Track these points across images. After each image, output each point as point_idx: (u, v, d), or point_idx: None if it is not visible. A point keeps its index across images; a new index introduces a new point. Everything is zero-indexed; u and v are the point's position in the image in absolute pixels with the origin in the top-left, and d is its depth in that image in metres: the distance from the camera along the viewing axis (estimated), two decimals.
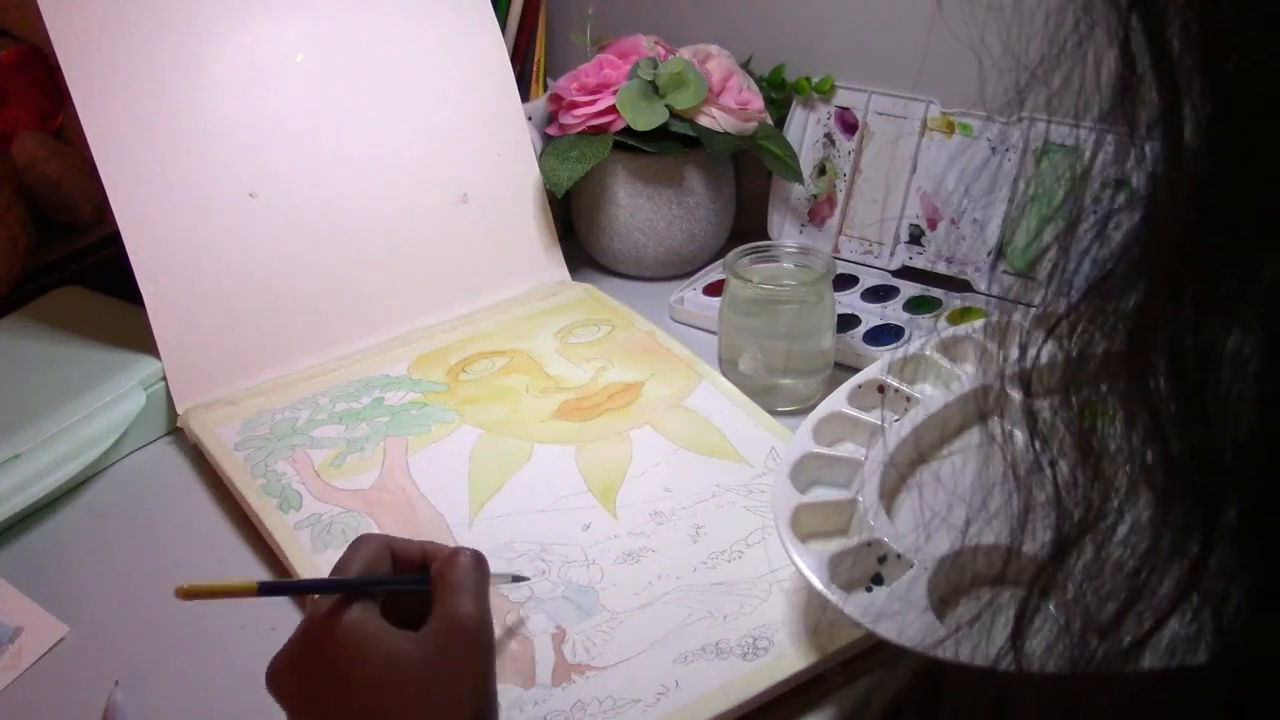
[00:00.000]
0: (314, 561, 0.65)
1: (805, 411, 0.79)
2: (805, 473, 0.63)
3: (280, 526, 0.68)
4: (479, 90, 0.92)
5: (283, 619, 0.64)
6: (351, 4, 0.88)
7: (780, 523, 0.58)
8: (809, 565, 0.55)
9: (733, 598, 0.62)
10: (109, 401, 0.76)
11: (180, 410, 0.79)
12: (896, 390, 0.67)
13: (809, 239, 0.97)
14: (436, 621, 0.48)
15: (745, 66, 0.97)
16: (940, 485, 0.60)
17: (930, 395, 0.66)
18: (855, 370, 0.83)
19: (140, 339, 0.80)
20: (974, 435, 0.63)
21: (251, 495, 0.71)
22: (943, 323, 0.86)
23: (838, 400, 0.67)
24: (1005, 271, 0.88)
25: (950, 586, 0.54)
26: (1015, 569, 0.47)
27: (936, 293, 0.89)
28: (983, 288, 0.88)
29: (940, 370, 0.68)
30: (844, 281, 0.91)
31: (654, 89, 0.92)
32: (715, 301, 0.87)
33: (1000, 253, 0.88)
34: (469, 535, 0.67)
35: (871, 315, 0.87)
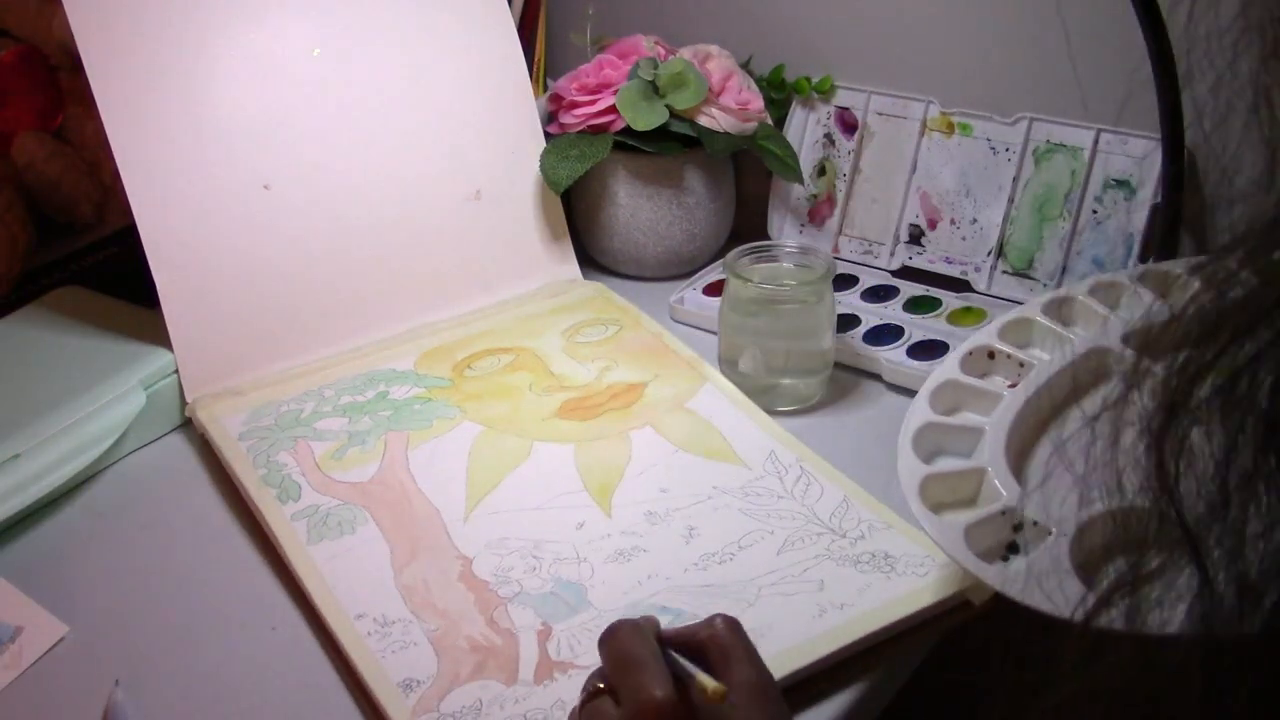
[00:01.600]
0: (309, 553, 0.65)
1: (805, 412, 0.80)
2: (925, 443, 0.62)
3: (277, 517, 0.68)
4: (493, 87, 0.92)
5: (283, 619, 0.64)
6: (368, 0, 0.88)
7: (909, 495, 0.58)
8: (945, 537, 0.55)
9: (721, 600, 0.61)
10: (109, 401, 0.76)
11: (189, 399, 0.79)
12: (1008, 355, 0.67)
13: (809, 239, 0.97)
14: (737, 694, 0.47)
15: (745, 66, 0.97)
16: (1066, 450, 0.59)
17: (1041, 359, 0.66)
18: (855, 370, 0.83)
19: (141, 338, 0.81)
20: (1093, 398, 0.63)
21: (252, 485, 0.71)
22: (943, 324, 0.86)
23: (950, 368, 0.67)
24: (1005, 271, 0.88)
25: (1088, 553, 0.53)
26: (1164, 532, 0.46)
27: (936, 293, 0.89)
28: (982, 288, 0.88)
29: (1048, 333, 0.69)
30: (844, 281, 0.91)
31: (654, 89, 0.92)
32: (715, 301, 0.87)
33: (1000, 253, 0.88)
34: (464, 531, 0.67)
35: (871, 315, 0.87)
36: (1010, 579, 0.52)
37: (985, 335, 0.69)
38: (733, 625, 0.50)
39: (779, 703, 0.48)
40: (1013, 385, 0.66)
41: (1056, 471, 0.57)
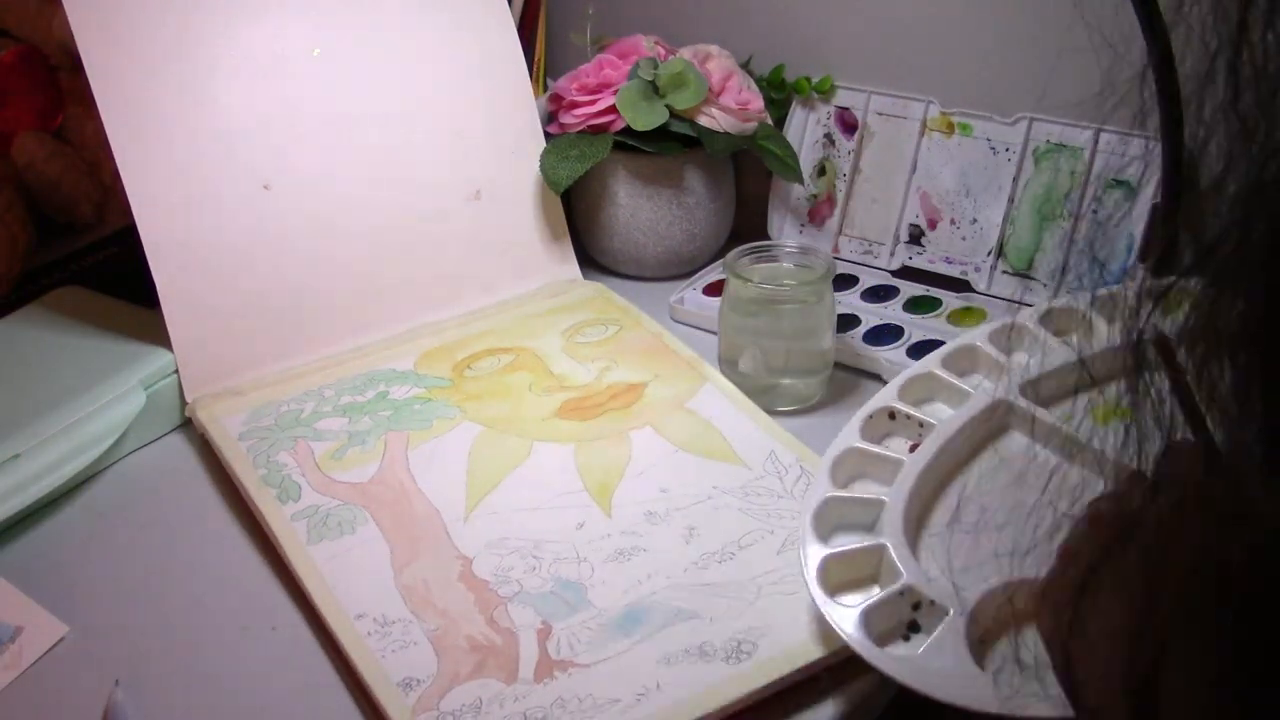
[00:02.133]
0: (309, 553, 0.66)
1: (805, 411, 0.80)
2: (828, 519, 0.61)
3: (277, 517, 0.68)
4: (494, 87, 0.92)
5: (284, 619, 0.64)
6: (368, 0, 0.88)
7: (809, 578, 0.57)
8: (844, 622, 0.54)
9: (721, 599, 0.62)
10: (109, 401, 0.76)
11: (189, 399, 0.79)
12: (908, 416, 0.66)
13: (809, 239, 0.97)
14: None
15: (745, 66, 0.97)
16: (962, 515, 0.59)
17: (944, 415, 0.64)
18: (855, 370, 0.83)
19: (141, 339, 0.81)
20: (992, 452, 0.63)
21: (252, 485, 0.71)
22: (943, 324, 0.86)
23: (850, 435, 0.65)
24: (1005, 272, 0.88)
25: (989, 626, 0.53)
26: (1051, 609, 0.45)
27: (937, 293, 0.89)
28: (982, 288, 0.88)
29: (947, 387, 0.67)
30: (844, 281, 0.91)
31: (654, 89, 0.92)
32: (715, 301, 0.87)
33: (1000, 253, 0.88)
34: (463, 531, 0.67)
35: (871, 315, 0.87)
36: (905, 663, 0.52)
37: (886, 395, 0.67)
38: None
39: None
40: (915, 446, 0.63)
41: (953, 543, 0.57)
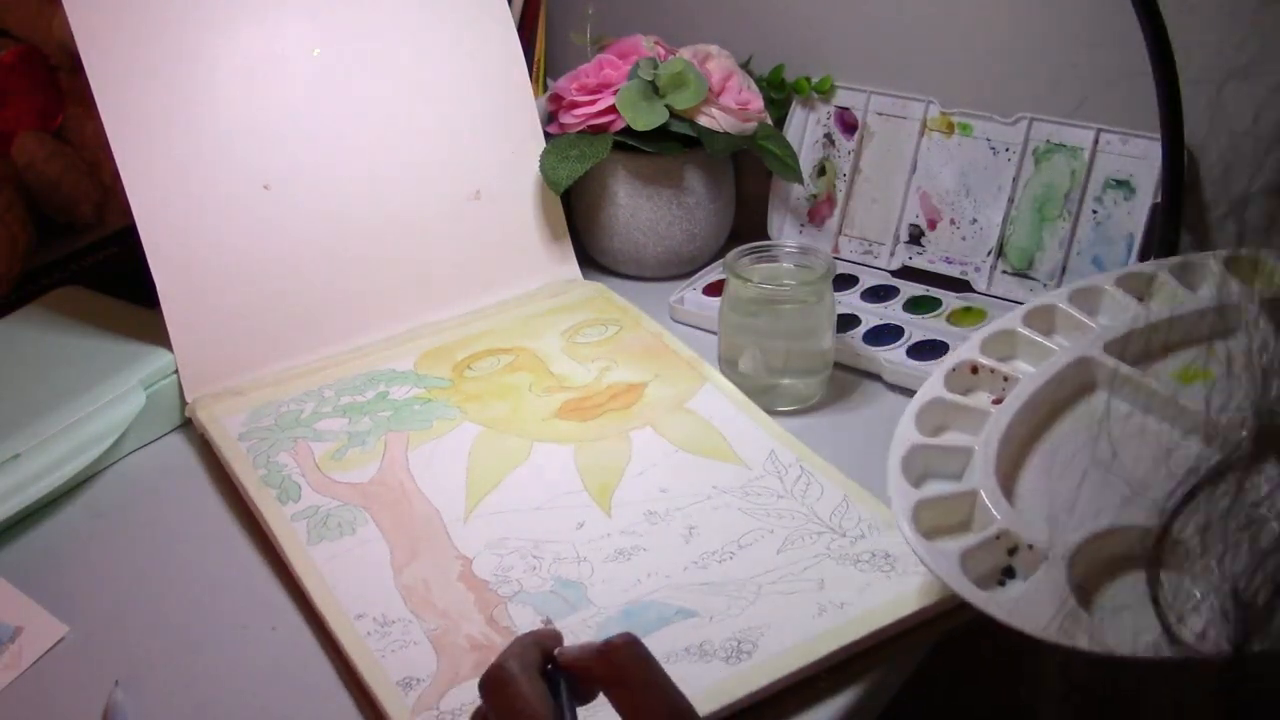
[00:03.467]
0: (309, 553, 0.66)
1: (805, 411, 0.79)
2: (915, 466, 0.61)
3: (277, 517, 0.68)
4: (493, 87, 0.92)
5: (283, 619, 0.64)
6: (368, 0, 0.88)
7: (902, 521, 0.57)
8: (941, 566, 0.54)
9: (720, 597, 0.62)
10: (109, 401, 0.76)
11: (189, 399, 0.79)
12: (992, 370, 0.66)
13: (809, 239, 0.97)
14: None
15: (745, 66, 0.97)
16: (1054, 466, 0.59)
17: (1026, 371, 0.65)
18: (855, 370, 0.83)
19: (141, 339, 0.81)
20: (1080, 410, 0.63)
21: (252, 486, 0.71)
22: (943, 325, 0.86)
23: (934, 386, 0.65)
24: (1005, 272, 0.88)
25: (1087, 571, 0.53)
26: (1165, 550, 0.46)
27: (936, 293, 0.89)
28: (982, 288, 0.88)
29: (1031, 344, 0.68)
30: (844, 281, 0.91)
31: (654, 89, 0.92)
32: (715, 301, 0.87)
33: (1000, 253, 0.88)
34: (463, 531, 0.67)
35: (871, 315, 0.87)
36: (1009, 606, 0.52)
37: (968, 350, 0.68)
38: (632, 648, 0.44)
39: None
40: (998, 400, 0.64)
41: (1048, 490, 0.57)
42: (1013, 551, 0.54)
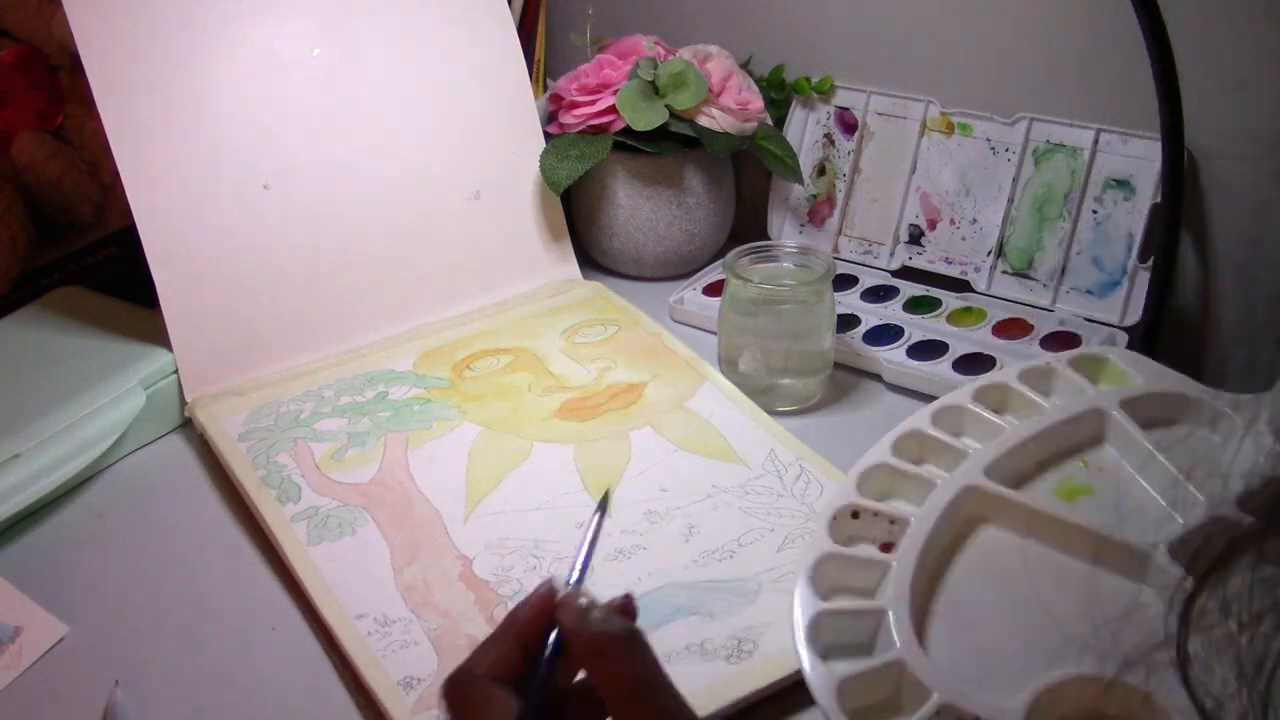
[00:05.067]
0: (309, 554, 0.66)
1: (805, 411, 0.80)
2: (821, 637, 0.53)
3: (277, 518, 0.68)
4: (493, 87, 0.92)
5: (283, 619, 0.64)
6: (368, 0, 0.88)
7: (797, 629, 0.51)
8: (821, 684, 0.48)
9: (720, 596, 0.62)
10: (109, 401, 0.76)
11: (189, 399, 0.79)
12: (875, 514, 0.58)
13: (809, 239, 0.97)
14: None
15: (745, 66, 0.97)
16: (963, 614, 0.53)
17: (909, 512, 0.58)
18: (855, 370, 0.83)
19: (141, 338, 0.81)
20: (974, 547, 0.57)
21: (252, 486, 0.71)
22: (943, 325, 0.86)
23: (822, 542, 0.57)
24: (1005, 272, 0.88)
25: None
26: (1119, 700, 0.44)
27: (936, 293, 0.89)
28: (982, 288, 0.88)
29: (907, 478, 0.61)
30: (844, 281, 0.91)
31: (654, 89, 0.92)
32: (715, 301, 0.87)
33: (1000, 253, 0.88)
34: (463, 531, 0.67)
35: (871, 315, 0.87)
36: None
37: (844, 494, 0.59)
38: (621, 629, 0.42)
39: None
40: (886, 546, 0.57)
41: (969, 644, 0.51)
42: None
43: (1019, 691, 0.47)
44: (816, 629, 0.52)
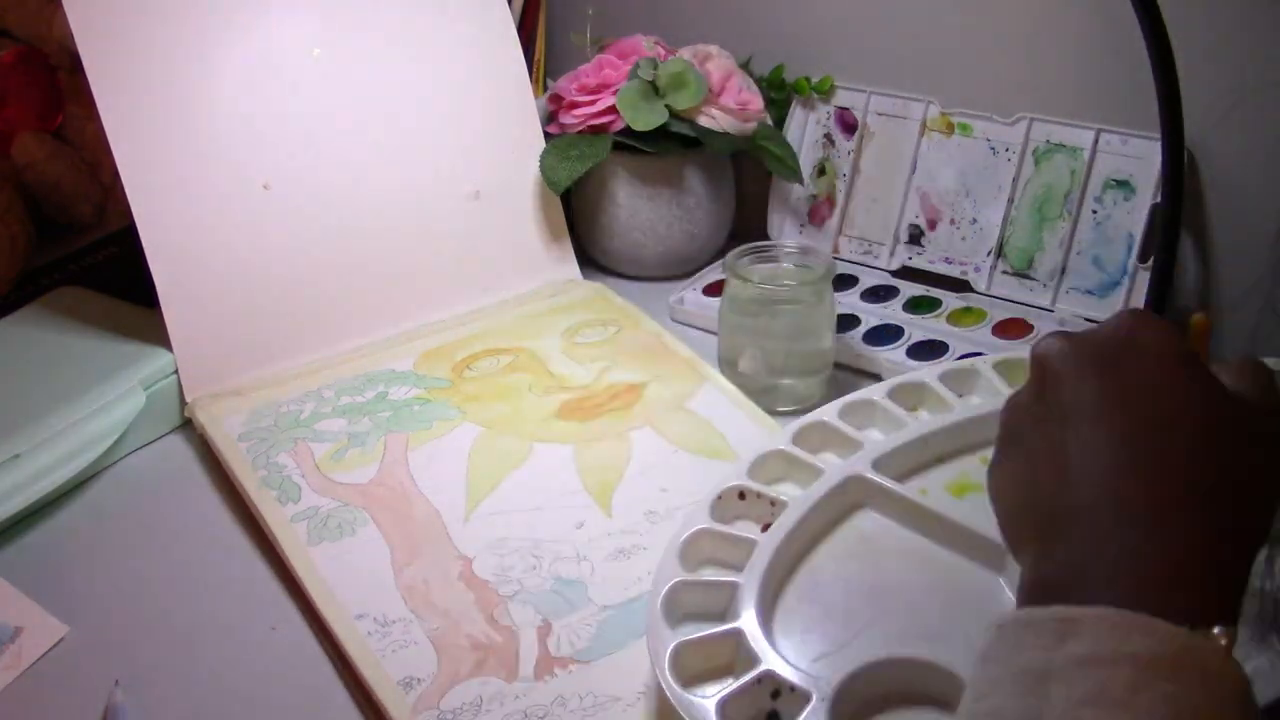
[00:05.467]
0: (309, 554, 0.66)
1: (805, 412, 0.79)
2: (678, 605, 0.56)
3: (278, 518, 0.68)
4: (493, 87, 0.92)
5: (284, 619, 0.64)
6: (367, 0, 0.88)
7: (659, 668, 0.52)
8: (700, 716, 0.49)
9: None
10: (109, 401, 0.76)
11: (189, 399, 0.79)
12: (759, 495, 0.62)
13: (809, 239, 0.97)
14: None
15: (745, 66, 0.97)
16: (816, 592, 0.56)
17: (794, 495, 0.61)
18: (855, 370, 0.83)
19: (141, 339, 0.81)
20: (843, 531, 0.60)
21: (252, 487, 0.71)
22: (943, 325, 0.86)
23: (699, 517, 0.60)
24: (1005, 272, 0.88)
25: (856, 711, 0.49)
26: (939, 682, 0.47)
27: (936, 293, 0.89)
28: (982, 288, 0.88)
29: (800, 465, 0.64)
30: (844, 281, 0.91)
31: (654, 89, 0.92)
32: (715, 301, 0.87)
33: (1000, 253, 0.88)
34: (463, 531, 0.67)
35: (871, 315, 0.87)
36: None
37: (735, 475, 0.63)
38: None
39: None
40: (766, 526, 0.60)
41: (816, 622, 0.54)
42: (775, 695, 0.50)
43: (851, 666, 0.50)
44: (672, 597, 0.55)
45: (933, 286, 0.90)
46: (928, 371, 0.69)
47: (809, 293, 0.77)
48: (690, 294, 0.93)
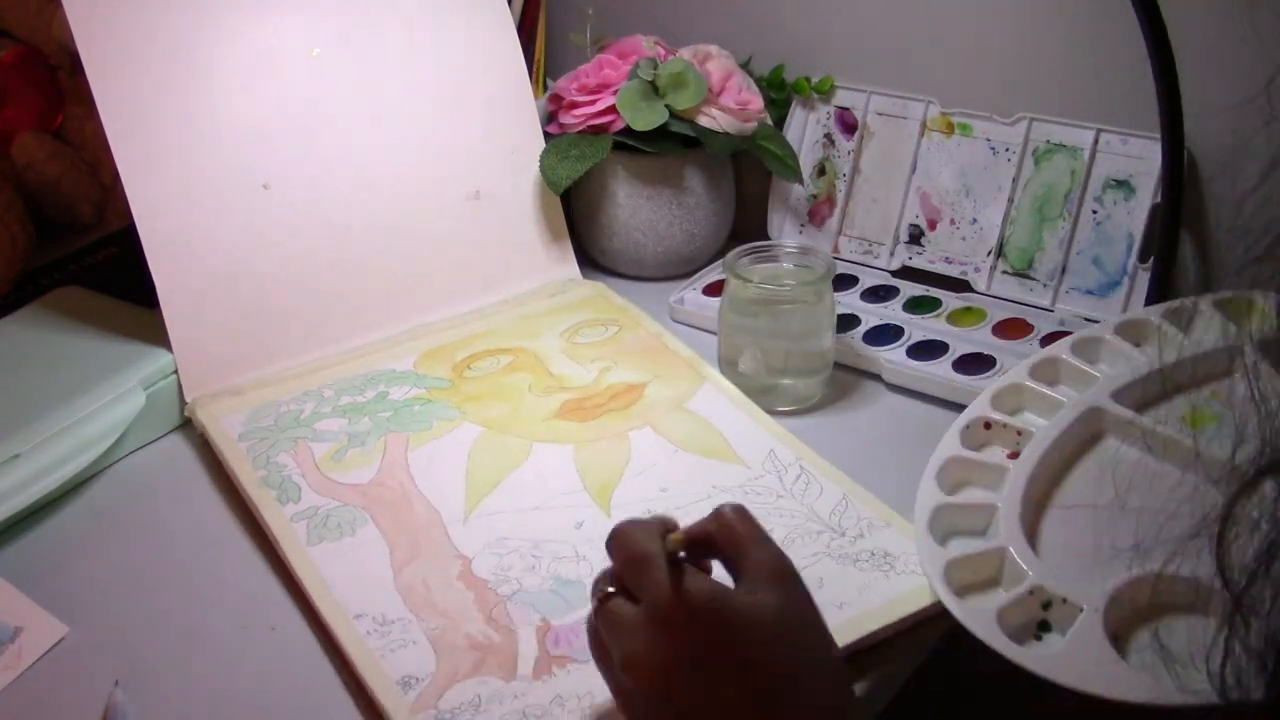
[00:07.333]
0: (309, 554, 0.66)
1: (805, 412, 0.80)
2: (940, 525, 0.63)
3: (277, 518, 0.68)
4: (493, 86, 0.92)
5: (283, 619, 0.64)
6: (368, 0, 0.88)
7: (936, 583, 0.58)
8: (978, 625, 0.55)
9: None
10: (109, 401, 0.76)
11: (188, 399, 0.79)
12: (1004, 425, 0.69)
13: (809, 239, 0.97)
14: (754, 578, 0.48)
15: (745, 66, 0.97)
16: (1074, 517, 0.62)
17: (1037, 424, 0.68)
18: (855, 370, 0.83)
19: (141, 338, 0.81)
20: (1091, 459, 0.66)
21: (252, 486, 0.71)
22: (943, 325, 0.86)
23: (951, 444, 0.68)
24: (1005, 272, 0.88)
25: (1120, 621, 0.55)
26: (1204, 596, 0.50)
27: (936, 293, 0.89)
28: (982, 288, 0.88)
29: (1039, 397, 0.70)
30: (844, 281, 0.91)
31: (654, 89, 0.92)
32: (715, 301, 0.87)
33: (1000, 253, 0.88)
34: (463, 531, 0.67)
35: (871, 315, 0.87)
36: (1051, 662, 0.53)
37: (979, 406, 0.70)
38: (741, 512, 0.51)
39: (797, 581, 0.49)
40: (1013, 454, 0.67)
41: (1072, 541, 0.59)
42: (1047, 606, 0.56)
43: (1105, 583, 0.55)
44: (936, 518, 0.63)
45: (933, 286, 0.90)
46: (1150, 310, 0.75)
47: (809, 293, 0.77)
48: (690, 294, 0.93)
